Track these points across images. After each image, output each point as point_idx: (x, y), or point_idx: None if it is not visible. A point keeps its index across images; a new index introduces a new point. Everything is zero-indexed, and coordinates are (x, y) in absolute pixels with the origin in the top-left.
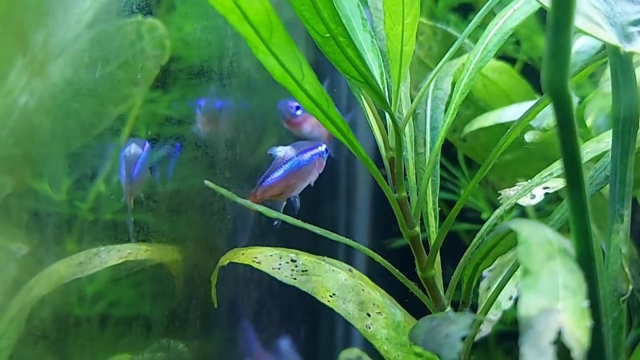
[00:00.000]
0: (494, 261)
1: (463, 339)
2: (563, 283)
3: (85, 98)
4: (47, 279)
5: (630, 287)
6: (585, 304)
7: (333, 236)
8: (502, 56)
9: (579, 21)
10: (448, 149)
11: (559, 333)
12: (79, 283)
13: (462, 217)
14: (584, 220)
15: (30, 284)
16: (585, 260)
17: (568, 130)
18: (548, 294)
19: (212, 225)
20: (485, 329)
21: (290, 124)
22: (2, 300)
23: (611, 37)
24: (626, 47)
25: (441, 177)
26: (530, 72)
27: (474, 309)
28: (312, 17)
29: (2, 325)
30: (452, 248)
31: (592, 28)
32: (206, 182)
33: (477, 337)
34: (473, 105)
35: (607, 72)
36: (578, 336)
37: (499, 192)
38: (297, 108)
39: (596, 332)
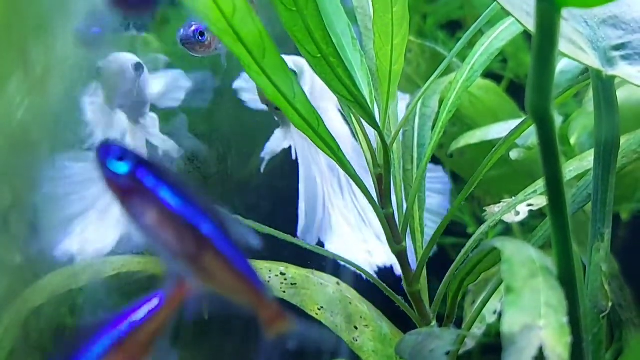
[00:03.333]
0: (479, 277)
1: (447, 353)
2: (545, 301)
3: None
4: (42, 291)
5: (610, 304)
6: (566, 320)
7: (321, 251)
8: (489, 73)
9: (562, 45)
10: (435, 164)
11: (541, 349)
12: (71, 293)
13: (448, 230)
14: (566, 240)
15: (24, 295)
16: (567, 278)
17: (550, 153)
18: (530, 311)
19: None
20: (470, 343)
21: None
22: None
23: (594, 61)
24: (608, 71)
25: None
26: (516, 90)
27: (459, 322)
28: (304, 37)
29: None
30: (438, 261)
31: (575, 52)
32: None
33: (461, 351)
34: (459, 122)
35: (591, 92)
36: (559, 352)
37: (484, 208)
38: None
39: (576, 348)
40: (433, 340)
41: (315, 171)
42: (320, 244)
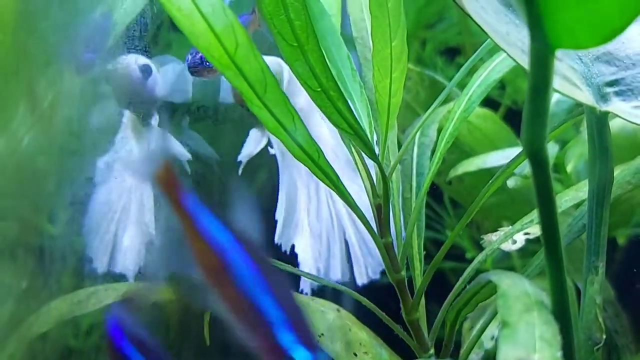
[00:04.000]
0: (476, 307)
1: None
2: (539, 334)
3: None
4: (46, 316)
5: (604, 337)
6: (560, 355)
7: (321, 280)
8: (487, 100)
9: (557, 83)
10: (434, 190)
11: None
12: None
13: (447, 255)
14: (560, 274)
15: (29, 320)
16: (561, 311)
17: (544, 187)
18: (525, 345)
19: None
20: None
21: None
22: (2, 335)
23: (588, 98)
24: (602, 107)
25: (427, 216)
26: (513, 116)
27: (457, 346)
28: (305, 72)
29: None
30: (437, 286)
31: (569, 89)
32: None
33: None
34: (458, 149)
35: None
36: None
37: (482, 237)
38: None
39: None
40: None
41: (295, 174)
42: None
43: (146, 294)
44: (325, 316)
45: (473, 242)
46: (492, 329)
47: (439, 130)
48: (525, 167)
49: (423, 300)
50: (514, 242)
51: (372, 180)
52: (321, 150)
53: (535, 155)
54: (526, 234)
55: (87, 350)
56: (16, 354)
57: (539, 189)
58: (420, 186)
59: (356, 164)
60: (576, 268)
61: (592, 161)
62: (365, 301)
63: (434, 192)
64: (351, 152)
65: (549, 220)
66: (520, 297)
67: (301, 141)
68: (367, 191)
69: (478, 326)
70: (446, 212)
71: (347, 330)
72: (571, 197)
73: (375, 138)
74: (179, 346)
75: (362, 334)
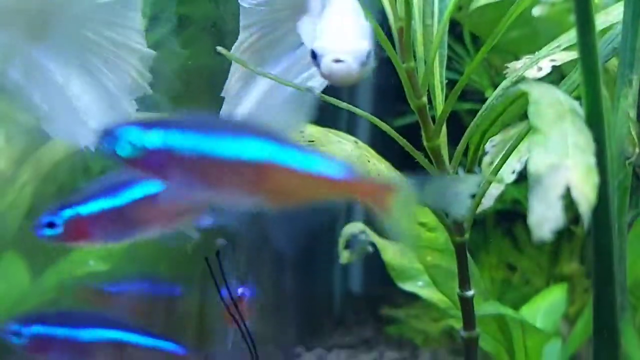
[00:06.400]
0: (501, 129)
1: (473, 196)
2: (572, 142)
3: None
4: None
5: (637, 151)
6: (594, 162)
7: (336, 102)
8: None
9: None
10: (453, 28)
11: (567, 189)
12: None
13: (464, 96)
14: (595, 82)
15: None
16: (595, 121)
17: None
18: (557, 151)
19: None
20: (487, 202)
21: None
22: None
23: None
24: None
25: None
26: None
27: None
28: None
29: (12, 194)
30: (454, 129)
31: None
32: None
33: (478, 210)
34: None
35: None
36: (586, 192)
37: (506, 65)
38: None
39: (602, 191)
40: (457, 183)
41: None
42: None
43: None
44: (343, 147)
45: (492, 84)
46: (513, 164)
47: None
48: None
49: (444, 130)
50: (540, 69)
51: (394, 1)
52: None
53: None
54: (552, 60)
55: None
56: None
57: None
58: (443, 11)
59: None
60: None
61: None
62: (384, 126)
63: (454, 31)
64: None
65: (585, 21)
66: (553, 104)
67: None
68: (387, 14)
69: (498, 160)
70: (466, 51)
71: (365, 161)
72: (602, 21)
73: None
74: None
75: (381, 165)
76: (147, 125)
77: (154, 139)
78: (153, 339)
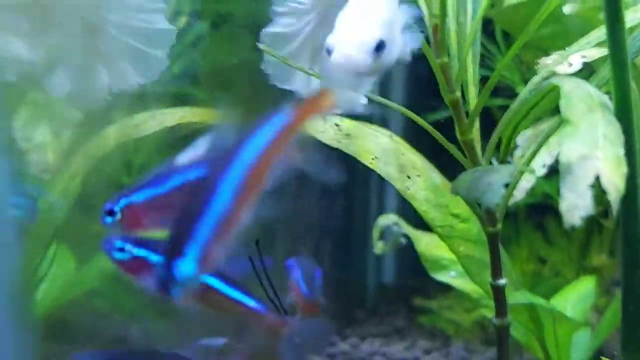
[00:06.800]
0: (532, 123)
1: (506, 185)
2: (602, 133)
3: None
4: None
5: None
6: (623, 153)
7: (375, 97)
8: None
9: None
10: (486, 26)
11: (597, 178)
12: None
13: (496, 92)
14: (624, 76)
15: (86, 147)
16: (624, 114)
17: None
18: (588, 142)
19: None
20: (519, 194)
21: None
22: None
23: None
24: None
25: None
26: None
27: None
28: None
29: (61, 185)
30: (486, 124)
31: None
32: None
33: (510, 202)
34: None
35: None
36: (615, 182)
37: (537, 60)
38: None
39: (631, 182)
40: (491, 174)
41: None
42: None
43: None
44: (378, 139)
45: (523, 80)
46: (543, 157)
47: None
48: None
49: (477, 124)
50: (570, 64)
51: None
52: None
53: None
54: (583, 56)
55: None
56: (79, 173)
57: None
58: (477, 9)
59: None
60: None
61: None
62: (418, 119)
63: (486, 29)
64: None
65: (615, 18)
66: (584, 97)
67: None
68: (422, 12)
69: (529, 153)
70: (497, 49)
71: (400, 154)
72: (631, 19)
73: None
74: None
75: (415, 157)
76: None
77: None
78: (240, 293)
